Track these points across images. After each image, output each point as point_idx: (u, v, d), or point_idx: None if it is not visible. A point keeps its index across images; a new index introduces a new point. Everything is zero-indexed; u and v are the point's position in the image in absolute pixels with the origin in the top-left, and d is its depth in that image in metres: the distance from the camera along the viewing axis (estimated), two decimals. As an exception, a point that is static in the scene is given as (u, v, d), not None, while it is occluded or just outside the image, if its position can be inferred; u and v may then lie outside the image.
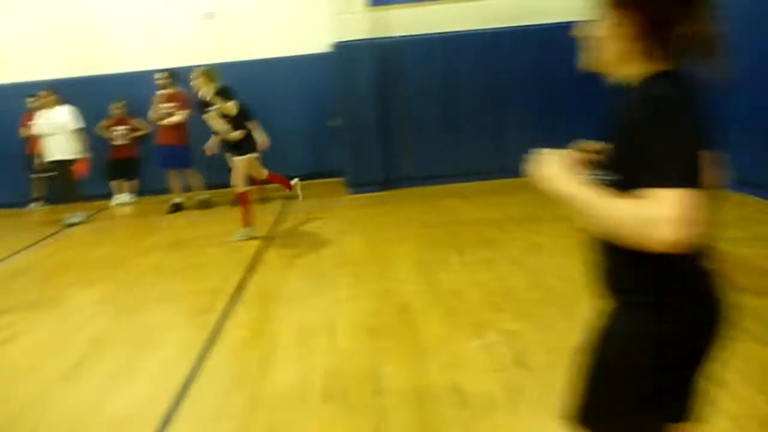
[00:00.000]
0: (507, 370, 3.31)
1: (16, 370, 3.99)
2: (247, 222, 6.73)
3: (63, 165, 8.28)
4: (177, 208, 8.67)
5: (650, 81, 1.45)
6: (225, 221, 7.52)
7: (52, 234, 8.01)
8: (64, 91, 8.53)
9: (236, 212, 7.90)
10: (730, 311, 1.54)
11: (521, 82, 8.60)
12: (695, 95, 1.42)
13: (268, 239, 6.65)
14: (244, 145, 6.62)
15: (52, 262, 6.74)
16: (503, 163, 8.20)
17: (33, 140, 9.00)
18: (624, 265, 1.52)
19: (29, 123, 8.90)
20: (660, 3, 1.42)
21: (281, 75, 9.48)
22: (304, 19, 9.58)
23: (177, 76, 8.59)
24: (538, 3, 8.37)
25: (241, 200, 6.72)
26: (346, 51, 8.46)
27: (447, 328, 3.96)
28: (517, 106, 8.65)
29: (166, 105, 8.43)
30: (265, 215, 7.68)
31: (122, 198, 9.69)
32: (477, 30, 8.47)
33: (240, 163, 6.60)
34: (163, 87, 8.42)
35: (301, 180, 8.08)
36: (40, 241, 7.65)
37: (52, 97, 8.29)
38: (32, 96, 9.18)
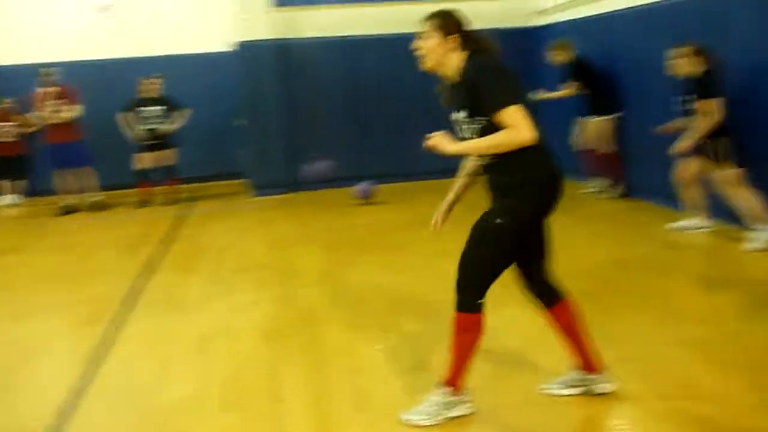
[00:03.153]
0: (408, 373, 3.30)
1: None
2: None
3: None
4: (69, 209, 8.17)
5: (469, 60, 2.64)
6: (120, 224, 7.17)
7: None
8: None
9: (135, 215, 7.58)
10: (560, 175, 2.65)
11: (425, 86, 8.68)
12: (498, 59, 2.64)
13: (165, 243, 6.39)
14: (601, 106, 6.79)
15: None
16: (409, 166, 8.28)
17: None
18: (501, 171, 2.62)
19: None
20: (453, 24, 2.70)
21: (183, 73, 9.09)
22: (207, 17, 9.32)
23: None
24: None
25: (608, 160, 6.90)
26: (250, 50, 8.31)
27: (351, 332, 3.92)
28: (421, 108, 8.74)
29: (54, 102, 7.92)
30: (162, 219, 7.39)
31: (8, 199, 9.06)
32: (381, 34, 8.50)
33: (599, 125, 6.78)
34: (50, 84, 7.92)
35: (204, 182, 7.79)
36: None
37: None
38: None
